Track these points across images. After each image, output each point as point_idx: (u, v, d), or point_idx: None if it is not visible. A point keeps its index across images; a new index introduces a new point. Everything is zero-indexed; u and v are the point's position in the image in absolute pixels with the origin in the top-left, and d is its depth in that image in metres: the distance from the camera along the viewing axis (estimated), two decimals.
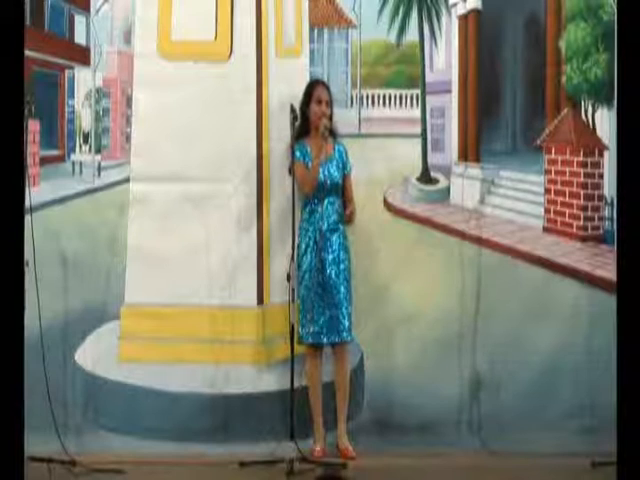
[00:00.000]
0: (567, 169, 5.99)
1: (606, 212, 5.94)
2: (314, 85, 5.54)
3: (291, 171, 5.47)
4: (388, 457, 5.47)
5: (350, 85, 6.10)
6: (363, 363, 5.83)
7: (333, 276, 5.41)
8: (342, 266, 5.44)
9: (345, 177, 5.55)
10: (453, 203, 6.08)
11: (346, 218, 5.48)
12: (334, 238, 5.45)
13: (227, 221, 5.69)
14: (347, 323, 5.41)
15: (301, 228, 5.48)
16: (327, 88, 5.55)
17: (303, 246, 5.46)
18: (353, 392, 5.62)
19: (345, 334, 5.41)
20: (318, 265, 5.41)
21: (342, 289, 5.42)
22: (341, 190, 5.54)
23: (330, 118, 5.49)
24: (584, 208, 5.96)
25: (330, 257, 5.43)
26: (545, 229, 6.03)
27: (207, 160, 5.67)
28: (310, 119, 5.47)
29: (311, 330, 5.39)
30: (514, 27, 6.15)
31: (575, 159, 5.98)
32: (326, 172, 5.47)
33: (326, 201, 5.48)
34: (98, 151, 6.09)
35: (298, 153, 5.46)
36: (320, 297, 5.40)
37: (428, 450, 5.56)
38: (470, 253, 5.92)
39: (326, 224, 5.45)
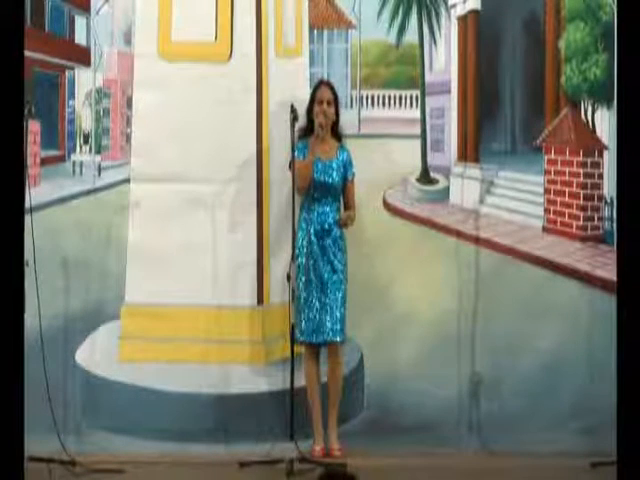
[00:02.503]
0: (567, 169, 6.00)
1: (606, 212, 5.95)
2: (318, 86, 5.55)
3: (291, 169, 5.47)
4: (388, 457, 5.47)
5: (350, 85, 6.11)
6: (363, 363, 5.83)
7: (327, 277, 5.40)
8: (337, 267, 5.44)
9: (347, 184, 5.54)
10: (452, 203, 6.09)
11: (341, 221, 5.46)
12: (330, 239, 5.44)
13: (227, 221, 5.70)
14: (339, 324, 5.39)
15: (299, 228, 5.48)
16: (331, 88, 5.53)
17: (299, 245, 5.46)
18: (353, 392, 5.63)
19: (336, 335, 5.39)
20: (313, 265, 5.41)
21: (336, 290, 5.40)
22: (340, 194, 5.53)
23: (337, 121, 5.50)
24: (584, 208, 5.97)
25: (325, 258, 5.42)
26: (545, 229, 6.04)
27: (207, 160, 5.67)
28: (312, 119, 5.48)
29: (303, 329, 5.39)
30: (513, 28, 6.15)
31: (575, 159, 5.98)
32: (325, 172, 5.46)
33: (323, 201, 5.47)
34: (98, 151, 6.09)
35: (297, 151, 5.46)
36: (313, 297, 5.39)
37: (428, 450, 5.55)
38: (469, 253, 5.93)
39: (322, 225, 5.45)
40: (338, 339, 5.42)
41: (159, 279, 5.70)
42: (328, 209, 5.47)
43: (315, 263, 5.41)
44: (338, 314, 5.40)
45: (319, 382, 5.45)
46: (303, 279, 5.40)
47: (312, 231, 5.43)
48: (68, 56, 6.18)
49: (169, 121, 5.69)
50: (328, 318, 5.38)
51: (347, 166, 5.53)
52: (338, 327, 5.40)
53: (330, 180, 5.47)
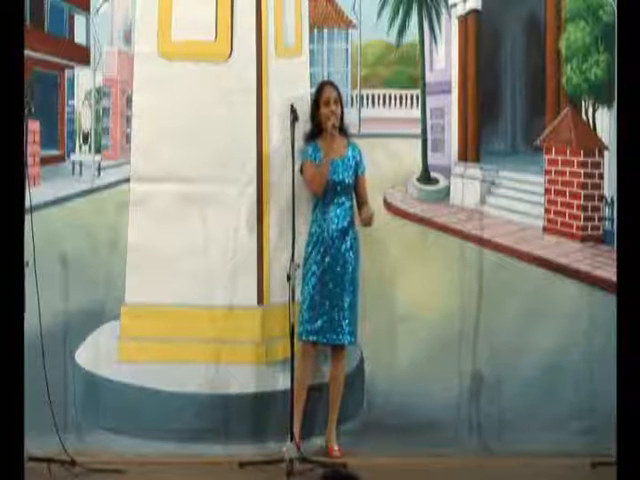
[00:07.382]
0: (567, 169, 5.99)
1: (606, 212, 5.95)
2: (322, 87, 5.57)
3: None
4: (388, 457, 5.47)
5: (350, 85, 6.10)
6: (363, 363, 5.82)
7: (340, 277, 5.41)
8: (350, 268, 5.45)
9: (358, 179, 5.55)
10: (453, 203, 6.09)
11: (363, 221, 5.45)
12: (344, 239, 5.45)
13: (227, 221, 5.69)
14: (350, 326, 5.42)
15: (311, 228, 5.49)
16: (335, 88, 5.55)
17: (312, 246, 5.46)
18: (353, 392, 5.63)
19: (346, 337, 5.42)
20: (325, 266, 5.41)
21: (348, 291, 5.42)
22: (352, 191, 5.54)
23: (341, 117, 5.51)
24: (584, 208, 5.96)
25: (339, 259, 5.43)
26: (545, 229, 6.03)
27: (207, 160, 5.67)
28: (320, 121, 5.48)
29: (311, 328, 5.40)
30: (514, 27, 6.15)
31: (575, 159, 5.98)
32: (337, 172, 5.47)
33: (337, 202, 5.48)
34: (98, 151, 6.09)
35: (310, 152, 5.47)
36: (325, 297, 5.40)
37: (427, 450, 5.56)
38: (470, 253, 5.92)
39: (336, 225, 5.45)
40: (350, 341, 5.44)
41: (159, 279, 5.70)
42: (342, 209, 5.47)
43: (330, 264, 5.41)
44: (351, 315, 5.42)
45: (306, 385, 5.44)
46: (314, 279, 5.41)
47: (326, 232, 5.44)
48: (68, 55, 6.18)
49: (169, 121, 5.68)
50: (339, 319, 5.39)
51: (358, 161, 5.55)
52: (349, 329, 5.42)
53: (343, 179, 5.48)
